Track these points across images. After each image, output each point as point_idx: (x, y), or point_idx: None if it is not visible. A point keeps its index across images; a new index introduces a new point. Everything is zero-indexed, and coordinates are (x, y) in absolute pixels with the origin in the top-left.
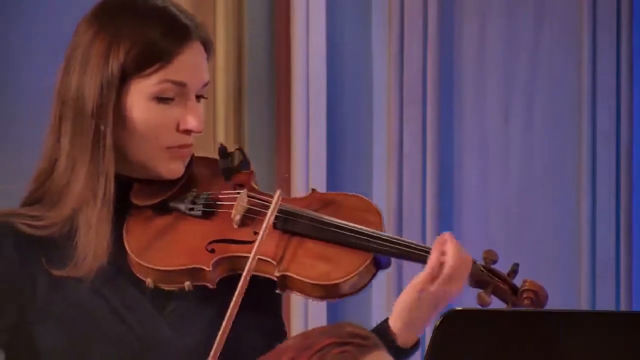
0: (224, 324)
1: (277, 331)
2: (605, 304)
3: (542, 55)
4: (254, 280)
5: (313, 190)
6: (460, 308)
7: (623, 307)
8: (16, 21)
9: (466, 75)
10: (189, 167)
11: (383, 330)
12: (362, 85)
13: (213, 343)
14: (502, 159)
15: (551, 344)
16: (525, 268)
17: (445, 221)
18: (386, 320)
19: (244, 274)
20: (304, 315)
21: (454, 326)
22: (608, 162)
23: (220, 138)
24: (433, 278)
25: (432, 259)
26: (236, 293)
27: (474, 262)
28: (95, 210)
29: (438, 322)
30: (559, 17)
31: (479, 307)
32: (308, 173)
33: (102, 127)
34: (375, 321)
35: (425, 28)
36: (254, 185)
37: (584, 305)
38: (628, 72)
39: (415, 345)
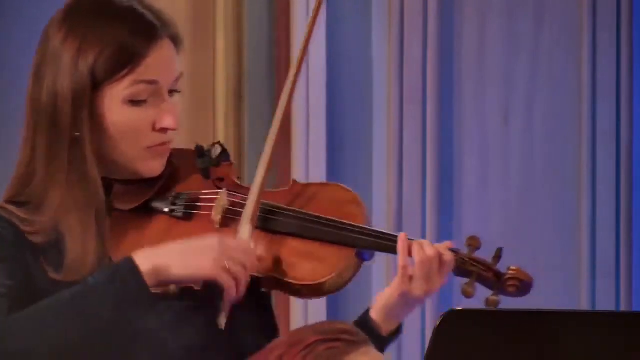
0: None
1: (270, 328)
2: (605, 304)
3: (542, 55)
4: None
5: (294, 181)
6: (460, 308)
7: (623, 307)
8: (17, 23)
9: (466, 75)
10: (168, 163)
11: (365, 322)
12: (362, 85)
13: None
14: (502, 159)
15: (551, 344)
16: (526, 268)
17: (445, 220)
18: (367, 312)
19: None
20: (304, 312)
21: (454, 326)
22: (608, 162)
23: (220, 137)
24: (408, 279)
25: (399, 262)
26: None
27: (457, 252)
28: (78, 217)
29: (438, 322)
30: (559, 17)
31: (478, 307)
32: (308, 172)
33: (78, 136)
34: None
35: (425, 28)
36: (235, 179)
37: (584, 305)
38: (628, 72)
39: (398, 330)
